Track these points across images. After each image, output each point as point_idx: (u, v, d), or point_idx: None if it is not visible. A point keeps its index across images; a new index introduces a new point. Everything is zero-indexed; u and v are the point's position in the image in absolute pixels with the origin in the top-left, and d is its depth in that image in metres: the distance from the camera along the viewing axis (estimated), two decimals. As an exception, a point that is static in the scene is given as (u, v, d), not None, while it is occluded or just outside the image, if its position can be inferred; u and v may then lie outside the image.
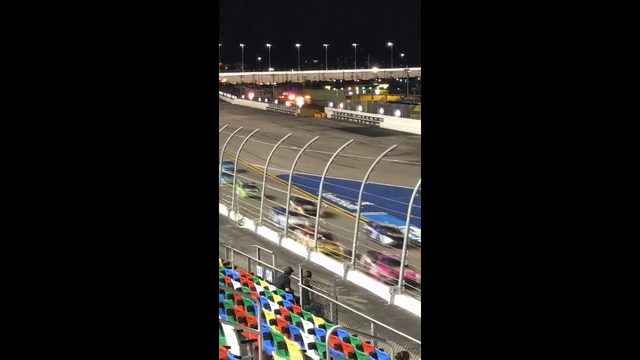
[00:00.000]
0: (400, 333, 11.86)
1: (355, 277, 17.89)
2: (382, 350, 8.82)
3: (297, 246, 20.81)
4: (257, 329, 6.93)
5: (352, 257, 18.32)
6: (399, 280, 16.46)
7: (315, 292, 13.60)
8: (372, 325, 11.51)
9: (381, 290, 16.76)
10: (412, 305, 15.87)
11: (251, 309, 9.16)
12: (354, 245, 18.58)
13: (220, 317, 7.39)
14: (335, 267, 18.55)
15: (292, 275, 13.68)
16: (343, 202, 27.74)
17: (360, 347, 8.64)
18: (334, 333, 8.78)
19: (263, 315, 7.80)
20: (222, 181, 27.18)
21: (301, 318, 9.69)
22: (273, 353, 6.60)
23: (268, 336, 7.45)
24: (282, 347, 7.33)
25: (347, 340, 8.85)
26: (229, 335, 7.13)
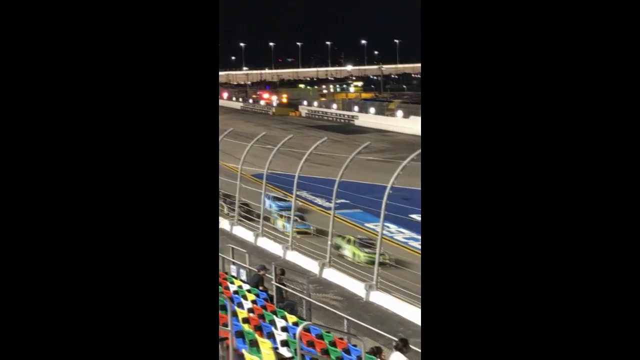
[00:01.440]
0: (375, 329, 11.91)
1: (331, 275, 17.91)
2: (355, 346, 8.83)
3: (272, 245, 20.78)
4: (228, 327, 6.91)
5: (327, 255, 18.34)
6: (374, 277, 16.52)
7: (289, 290, 13.59)
8: (345, 321, 11.53)
9: (357, 287, 16.80)
10: (387, 301, 15.93)
11: (223, 307, 9.12)
12: (328, 243, 18.60)
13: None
14: (310, 265, 18.56)
15: (266, 274, 13.66)
16: (318, 200, 27.75)
17: (333, 344, 8.65)
18: (307, 330, 8.78)
19: (235, 314, 7.77)
20: None
21: (274, 316, 9.68)
22: (244, 351, 6.58)
23: (240, 334, 7.43)
24: (254, 344, 7.32)
25: (320, 337, 8.85)
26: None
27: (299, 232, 21.94)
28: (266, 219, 23.33)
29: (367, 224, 23.77)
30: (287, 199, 25.96)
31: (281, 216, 24.46)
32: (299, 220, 23.33)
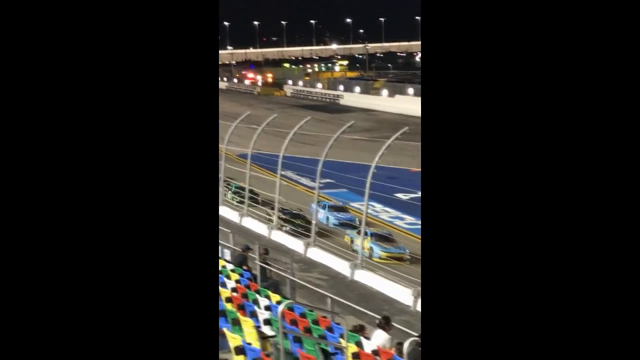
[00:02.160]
0: (359, 307, 11.97)
1: (316, 254, 17.95)
2: (338, 324, 8.86)
3: (257, 225, 20.76)
4: (210, 307, 6.89)
5: (312, 234, 18.37)
6: (359, 255, 16.57)
7: (273, 270, 13.61)
8: (328, 300, 11.57)
9: (341, 266, 16.85)
10: (372, 280, 16.00)
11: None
12: (313, 222, 18.63)
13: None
14: (295, 244, 18.58)
15: (249, 253, 13.66)
16: (303, 180, 27.73)
17: (316, 322, 8.66)
18: (290, 309, 8.79)
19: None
20: None
21: (257, 295, 9.69)
22: (225, 330, 6.59)
23: (222, 313, 7.43)
24: (236, 323, 7.32)
25: (303, 315, 8.87)
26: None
27: (390, 257, 17.96)
28: (321, 233, 19.40)
29: (352, 203, 23.78)
30: (347, 208, 22.71)
31: (356, 233, 18.77)
32: (387, 243, 18.84)
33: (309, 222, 19.53)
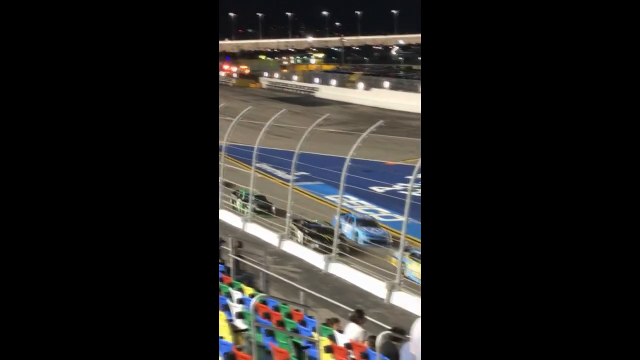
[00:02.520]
0: (332, 301, 11.99)
1: (290, 247, 17.92)
2: (311, 317, 8.84)
3: (231, 217, 20.68)
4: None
5: (286, 227, 18.35)
6: (333, 248, 16.57)
7: (247, 263, 13.57)
8: (302, 293, 11.57)
9: (315, 259, 16.85)
10: (346, 273, 16.02)
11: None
12: (287, 215, 18.59)
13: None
14: (269, 237, 18.54)
15: (223, 246, 13.59)
16: (278, 172, 27.68)
17: (289, 315, 8.64)
18: (263, 302, 8.75)
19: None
20: None
21: (230, 288, 9.63)
22: (197, 324, 6.54)
23: (194, 307, 7.38)
24: (208, 317, 7.27)
25: (276, 309, 8.84)
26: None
27: None
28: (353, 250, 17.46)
29: (327, 196, 23.79)
30: (377, 222, 20.80)
31: (409, 256, 16.48)
32: None
33: (341, 239, 17.24)
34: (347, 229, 19.52)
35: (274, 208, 20.58)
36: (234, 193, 21.90)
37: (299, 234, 18.31)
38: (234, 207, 20.96)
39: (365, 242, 19.01)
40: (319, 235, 17.89)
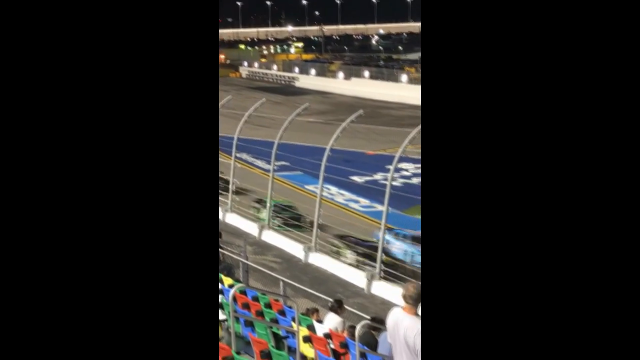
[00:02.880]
0: (312, 291, 11.99)
1: (270, 237, 17.90)
2: (290, 307, 8.84)
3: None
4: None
5: (267, 217, 18.30)
6: (313, 238, 16.56)
7: (226, 253, 13.52)
8: (281, 283, 11.56)
9: (295, 249, 16.84)
10: (326, 263, 16.02)
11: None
12: (267, 204, 18.54)
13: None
14: (249, 227, 18.50)
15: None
16: (259, 162, 27.60)
17: (268, 306, 8.64)
18: (242, 292, 8.73)
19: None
20: None
21: (210, 279, 9.59)
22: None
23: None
24: (187, 308, 7.24)
25: (255, 299, 8.83)
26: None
27: None
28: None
29: (307, 186, 23.76)
30: None
31: None
32: None
33: (401, 260, 15.21)
34: (397, 246, 16.61)
35: (307, 220, 18.39)
36: (258, 202, 20.21)
37: (349, 254, 16.00)
38: (258, 217, 19.04)
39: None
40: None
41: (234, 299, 7.19)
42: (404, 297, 4.62)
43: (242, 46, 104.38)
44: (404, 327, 4.56)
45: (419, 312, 4.60)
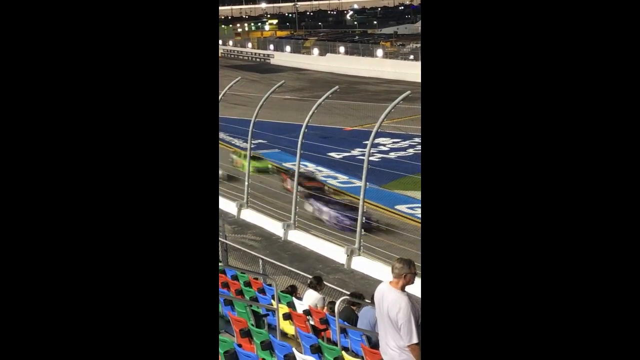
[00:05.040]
0: (291, 268, 11.99)
1: (249, 215, 17.87)
2: (270, 285, 8.84)
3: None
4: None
5: (245, 195, 18.26)
6: (292, 215, 16.55)
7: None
8: (260, 261, 11.55)
9: (274, 227, 16.83)
10: (305, 239, 16.04)
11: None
12: (246, 183, 18.49)
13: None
14: (228, 206, 18.45)
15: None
16: (236, 141, 27.48)
17: (248, 284, 8.63)
18: (222, 271, 8.71)
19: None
20: None
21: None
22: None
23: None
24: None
25: (234, 278, 8.81)
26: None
27: None
28: None
29: (285, 164, 23.71)
30: None
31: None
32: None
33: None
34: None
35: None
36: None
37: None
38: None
39: None
40: None
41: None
42: (392, 270, 4.64)
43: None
44: (388, 301, 4.57)
45: (405, 288, 4.61)
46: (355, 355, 6.35)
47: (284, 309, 7.67)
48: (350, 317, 7.56)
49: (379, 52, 53.69)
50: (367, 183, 14.79)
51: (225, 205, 18.57)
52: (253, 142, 19.05)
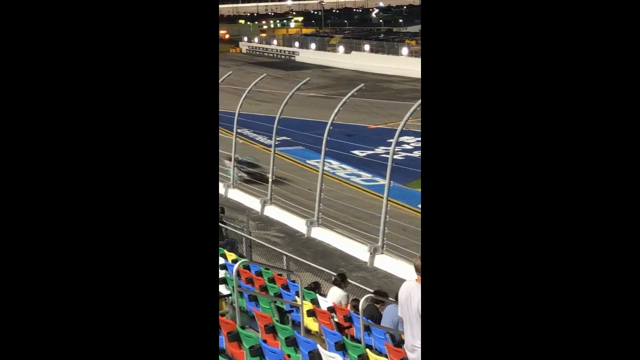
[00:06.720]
0: (315, 265, 12.01)
1: (272, 212, 17.91)
2: (294, 282, 8.86)
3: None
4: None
5: (269, 192, 18.30)
6: (315, 213, 16.57)
7: (229, 228, 13.53)
8: (284, 258, 11.58)
9: (298, 224, 16.85)
10: (328, 237, 16.04)
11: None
12: (270, 179, 18.53)
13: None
14: (252, 202, 18.50)
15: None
16: (260, 138, 27.55)
17: (272, 280, 8.66)
18: (246, 267, 8.75)
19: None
20: None
21: (213, 254, 9.62)
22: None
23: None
24: (191, 284, 7.26)
25: (259, 274, 8.85)
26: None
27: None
28: None
29: (308, 161, 23.73)
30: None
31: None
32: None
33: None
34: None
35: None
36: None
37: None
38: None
39: None
40: None
41: (238, 274, 7.21)
42: (416, 268, 4.63)
43: (242, 21, 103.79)
44: (418, 298, 4.56)
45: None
46: (379, 353, 6.35)
47: (307, 305, 7.70)
48: (374, 315, 7.57)
49: (404, 50, 53.51)
50: (391, 182, 14.76)
51: (249, 201, 18.63)
52: (277, 139, 19.08)
